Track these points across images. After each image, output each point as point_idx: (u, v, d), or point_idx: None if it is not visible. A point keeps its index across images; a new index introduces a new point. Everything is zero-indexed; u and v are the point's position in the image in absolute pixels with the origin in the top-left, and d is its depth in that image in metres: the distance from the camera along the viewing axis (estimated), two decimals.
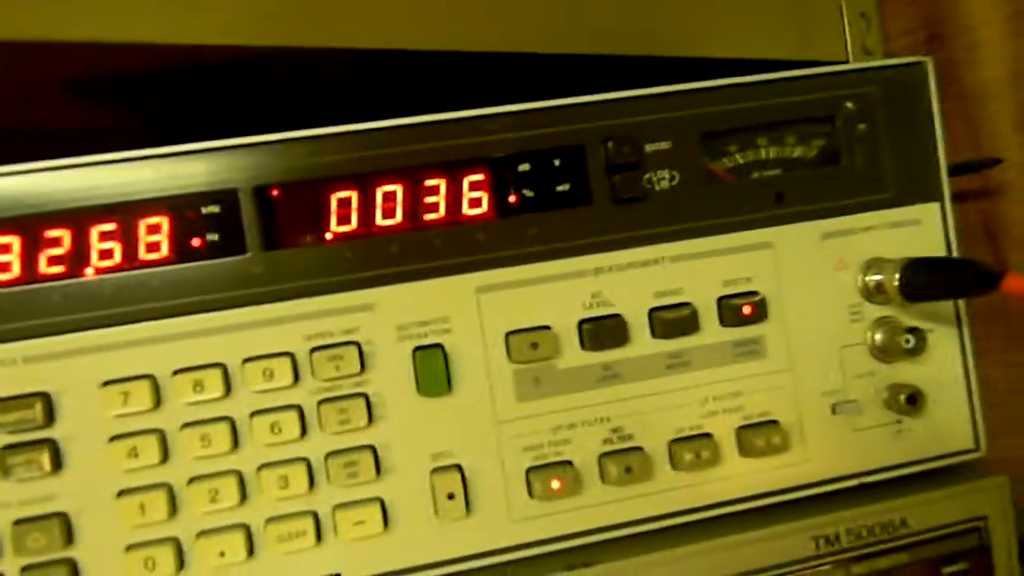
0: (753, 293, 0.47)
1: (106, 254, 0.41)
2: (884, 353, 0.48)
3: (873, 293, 0.48)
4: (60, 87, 0.51)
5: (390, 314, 0.43)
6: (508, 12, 0.48)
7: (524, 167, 0.45)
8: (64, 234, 0.41)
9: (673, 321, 0.46)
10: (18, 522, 0.40)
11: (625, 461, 0.45)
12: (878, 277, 0.47)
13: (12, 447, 0.40)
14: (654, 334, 0.46)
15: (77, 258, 0.41)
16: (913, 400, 0.47)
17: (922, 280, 0.45)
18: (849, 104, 0.49)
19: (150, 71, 0.54)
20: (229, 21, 0.43)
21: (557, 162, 0.45)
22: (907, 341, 0.47)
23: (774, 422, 0.47)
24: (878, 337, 0.48)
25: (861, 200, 0.48)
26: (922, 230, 0.49)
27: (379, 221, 0.44)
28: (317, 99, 0.56)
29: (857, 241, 0.48)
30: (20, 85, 0.49)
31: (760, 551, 0.45)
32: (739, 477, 0.46)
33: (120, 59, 0.46)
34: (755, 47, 0.54)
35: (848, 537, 0.46)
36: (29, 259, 0.41)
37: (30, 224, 0.40)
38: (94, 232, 0.41)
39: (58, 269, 0.41)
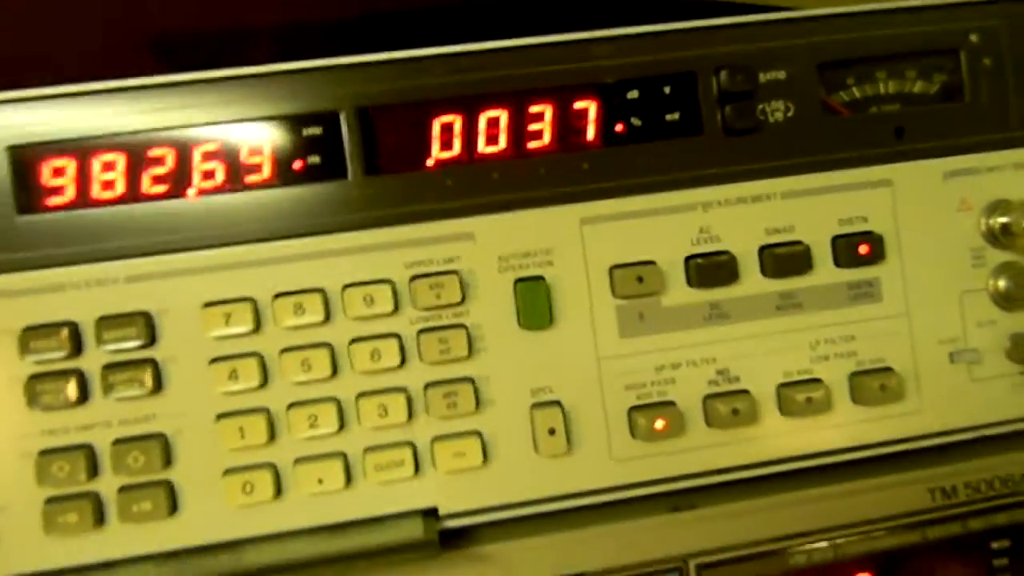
0: (870, 233, 0.44)
1: (208, 175, 0.41)
2: (1007, 300, 0.45)
3: (998, 236, 0.45)
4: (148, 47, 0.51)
5: (491, 244, 0.42)
6: None
7: (633, 94, 0.43)
8: (168, 153, 0.40)
9: (785, 259, 0.44)
10: (117, 441, 0.39)
11: (732, 403, 0.43)
12: (1004, 219, 0.45)
13: (114, 366, 0.40)
14: (764, 273, 0.44)
15: (180, 178, 0.40)
16: None
17: None
18: (974, 37, 0.46)
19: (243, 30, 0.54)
20: None
21: (667, 90, 0.43)
22: None
23: (888, 369, 0.44)
24: (1001, 283, 0.45)
25: (986, 138, 0.46)
26: None
27: (482, 148, 0.42)
28: None
29: (981, 181, 0.45)
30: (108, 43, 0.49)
31: (874, 501, 0.43)
32: (850, 425, 0.44)
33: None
34: None
35: (966, 491, 0.44)
36: (133, 178, 0.40)
37: (135, 144, 0.40)
38: (197, 153, 0.40)
39: (161, 189, 0.40)
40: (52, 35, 0.52)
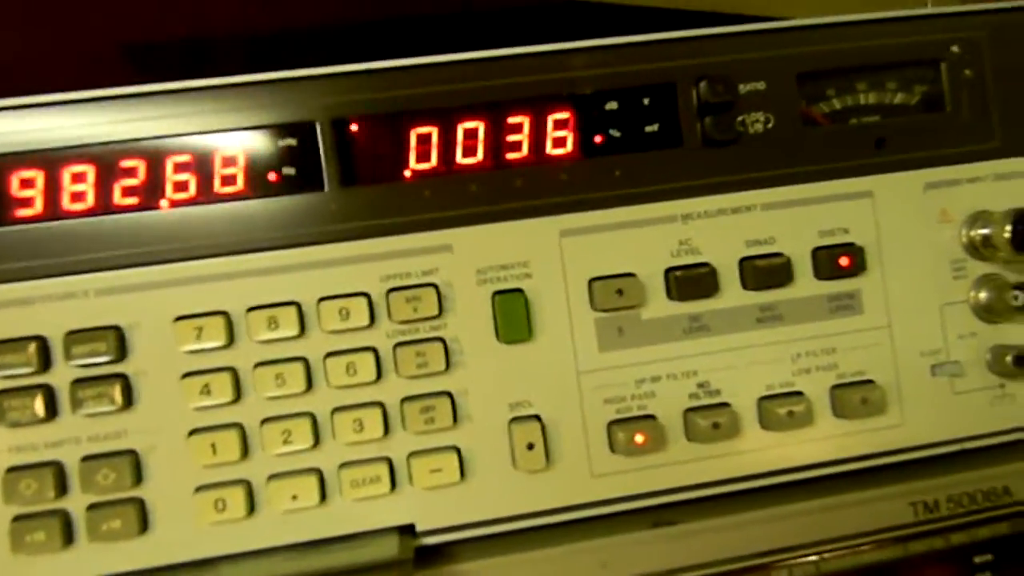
0: (850, 244, 0.44)
1: (181, 186, 0.40)
2: (989, 312, 0.45)
3: (979, 248, 0.45)
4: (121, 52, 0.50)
5: (469, 256, 0.42)
6: None
7: (612, 105, 0.43)
8: (139, 165, 0.40)
9: (765, 271, 0.43)
10: (87, 458, 0.39)
11: (712, 417, 0.42)
12: (985, 231, 0.45)
13: (83, 381, 0.39)
14: (745, 285, 0.43)
15: (152, 190, 0.40)
16: (1020, 361, 0.44)
17: None
18: (955, 48, 0.46)
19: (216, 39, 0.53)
20: None
21: (646, 101, 0.43)
22: (1015, 298, 0.44)
23: (870, 382, 0.44)
24: (983, 295, 0.45)
25: (967, 149, 0.46)
26: None
27: (460, 159, 0.42)
28: None
29: (962, 192, 0.45)
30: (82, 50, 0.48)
31: (855, 515, 0.43)
32: (832, 439, 0.44)
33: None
34: None
35: (948, 505, 0.43)
36: (104, 190, 0.39)
37: (106, 155, 0.39)
38: (169, 164, 0.40)
39: (132, 201, 0.40)
40: (25, 42, 0.52)
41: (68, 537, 0.38)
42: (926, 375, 0.45)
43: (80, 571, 0.38)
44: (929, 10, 0.46)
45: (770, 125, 0.44)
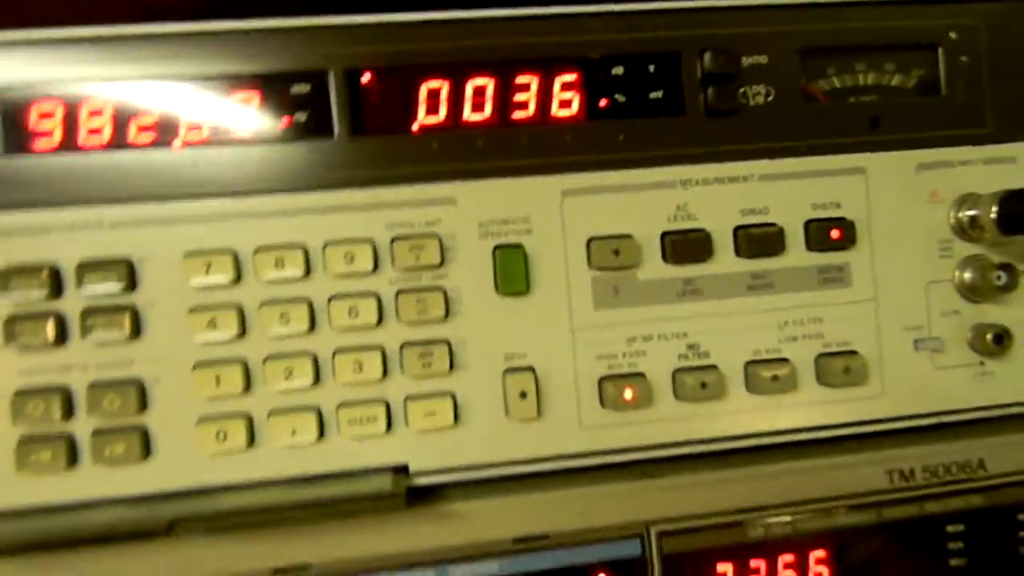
0: (842, 219, 0.45)
1: (194, 128, 0.41)
2: (972, 292, 0.47)
3: (966, 229, 0.46)
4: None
5: (472, 210, 0.43)
6: None
7: (618, 70, 0.44)
8: (154, 102, 0.41)
9: (758, 240, 0.45)
10: (94, 384, 0.40)
11: (700, 378, 0.44)
12: (972, 212, 0.46)
13: (94, 310, 0.40)
14: (738, 252, 0.45)
15: (166, 129, 0.41)
16: (1000, 340, 0.46)
17: (1021, 209, 0.44)
18: (953, 35, 0.47)
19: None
20: None
21: (652, 68, 0.44)
22: (998, 278, 0.45)
23: (854, 352, 0.45)
24: (967, 275, 0.47)
25: (959, 133, 0.47)
26: (1019, 168, 0.47)
27: (467, 115, 0.43)
28: None
29: (953, 175, 0.47)
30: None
31: (832, 479, 0.44)
32: (814, 405, 0.45)
33: None
34: None
35: (923, 474, 0.45)
36: (120, 126, 0.40)
37: (122, 92, 0.40)
38: (183, 103, 0.41)
39: (148, 138, 0.41)
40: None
41: (72, 459, 0.40)
42: (909, 349, 0.46)
43: (82, 492, 0.40)
44: None
45: (770, 98, 0.45)
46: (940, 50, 0.47)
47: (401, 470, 0.42)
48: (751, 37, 0.45)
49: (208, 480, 0.41)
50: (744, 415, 0.45)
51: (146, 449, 0.40)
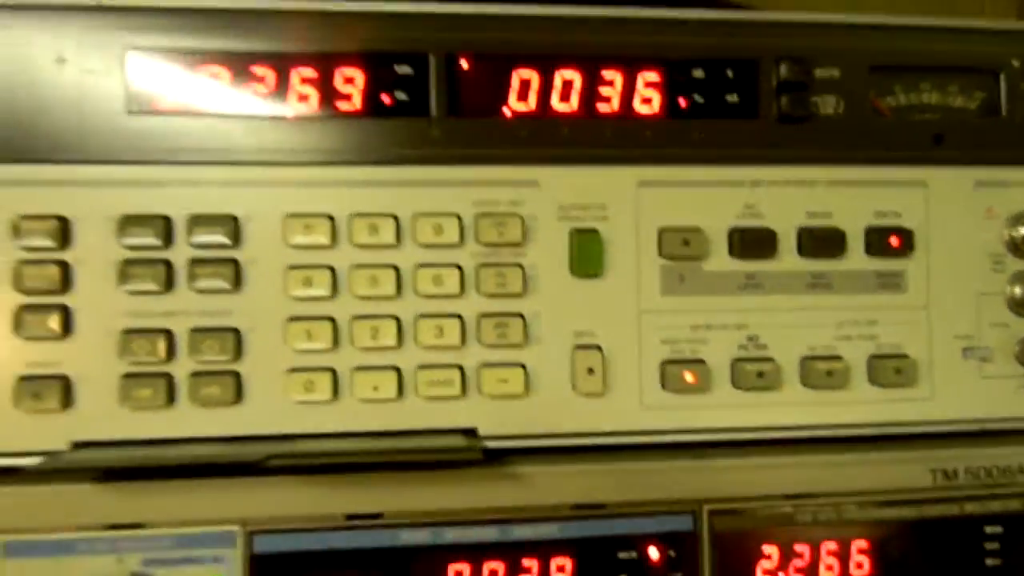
0: (901, 228, 0.48)
1: (303, 98, 0.44)
2: (1021, 307, 0.49)
3: (1019, 246, 0.49)
4: None
5: (554, 193, 0.46)
6: None
7: (698, 73, 0.47)
8: (267, 73, 0.44)
9: (821, 241, 0.47)
10: (195, 330, 0.43)
11: (758, 368, 0.46)
12: None
13: (200, 261, 0.43)
14: (801, 252, 0.47)
15: (278, 98, 0.44)
16: None
17: None
18: (1015, 62, 0.49)
19: None
20: None
21: (730, 73, 0.47)
22: None
23: (905, 356, 0.48)
24: (1017, 290, 0.49)
25: (1017, 154, 0.49)
26: None
27: (555, 104, 0.46)
28: None
29: (1009, 194, 0.49)
30: None
31: (878, 474, 0.46)
32: (865, 404, 0.47)
33: None
34: None
35: (966, 475, 0.47)
36: (236, 92, 0.44)
37: (239, 60, 0.43)
38: (294, 75, 0.44)
39: (260, 106, 0.44)
40: None
41: (171, 397, 0.42)
42: (958, 356, 0.48)
43: (177, 430, 0.43)
44: (996, 24, 0.50)
45: (840, 109, 0.48)
46: (1002, 75, 0.49)
47: (470, 433, 0.44)
48: (825, 51, 0.47)
49: (292, 427, 0.43)
50: (798, 407, 0.47)
51: (238, 393, 0.43)
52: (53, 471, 0.38)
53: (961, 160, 0.49)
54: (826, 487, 0.46)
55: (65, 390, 0.42)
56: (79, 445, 0.41)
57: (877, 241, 0.47)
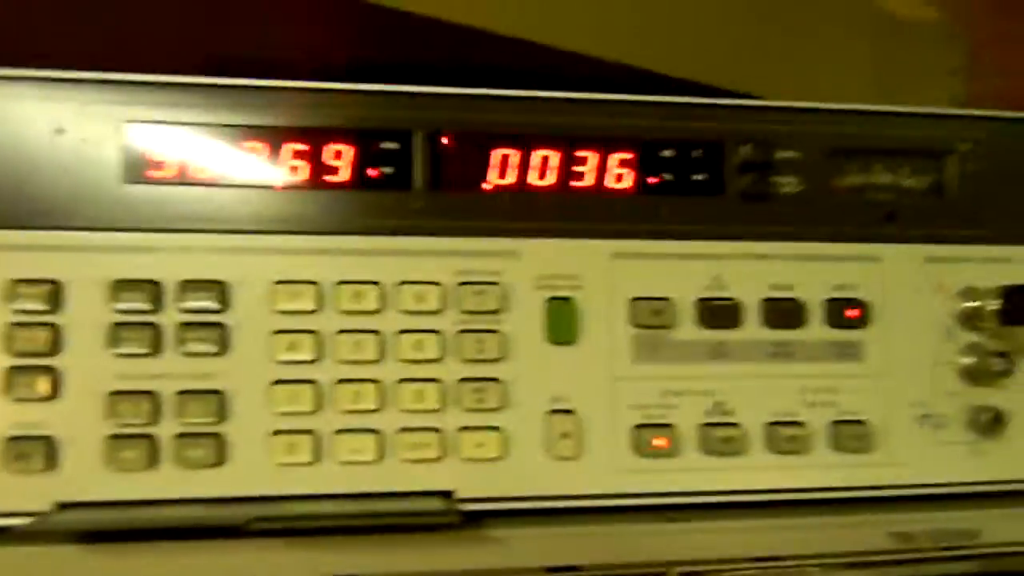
0: (858, 300, 0.51)
1: (294, 170, 0.46)
2: (972, 375, 0.51)
3: (968, 318, 0.51)
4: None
5: (532, 264, 0.48)
6: None
7: (668, 153, 0.49)
8: (260, 146, 0.46)
9: (782, 313, 0.50)
10: (181, 392, 0.44)
11: (724, 433, 0.48)
12: (973, 304, 0.51)
13: (188, 325, 0.44)
14: (764, 322, 0.50)
15: (270, 168, 0.46)
16: (996, 421, 0.50)
17: (1018, 304, 0.49)
18: (962, 146, 0.53)
19: None
20: None
21: (698, 153, 0.50)
22: (996, 364, 0.50)
23: (863, 422, 0.50)
24: (967, 360, 0.51)
25: (964, 233, 0.53)
26: (1015, 267, 0.53)
27: (533, 180, 0.48)
28: None
29: (957, 269, 0.52)
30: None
31: (838, 536, 0.48)
32: (826, 468, 0.50)
33: None
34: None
35: (922, 538, 0.49)
36: (225, 165, 0.46)
37: (232, 135, 0.46)
38: (286, 148, 0.46)
39: (251, 177, 0.46)
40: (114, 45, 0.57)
41: (155, 458, 0.43)
42: (914, 423, 0.51)
43: (161, 491, 0.43)
44: (944, 110, 0.54)
45: (800, 188, 0.51)
46: (949, 158, 0.53)
47: (447, 495, 0.46)
48: (786, 134, 0.51)
49: (275, 489, 0.44)
50: (763, 471, 0.49)
51: (221, 455, 0.44)
52: (40, 532, 0.39)
53: (912, 237, 0.52)
54: (790, 550, 0.48)
55: (51, 451, 0.42)
56: (64, 506, 0.42)
57: (836, 312, 0.50)
